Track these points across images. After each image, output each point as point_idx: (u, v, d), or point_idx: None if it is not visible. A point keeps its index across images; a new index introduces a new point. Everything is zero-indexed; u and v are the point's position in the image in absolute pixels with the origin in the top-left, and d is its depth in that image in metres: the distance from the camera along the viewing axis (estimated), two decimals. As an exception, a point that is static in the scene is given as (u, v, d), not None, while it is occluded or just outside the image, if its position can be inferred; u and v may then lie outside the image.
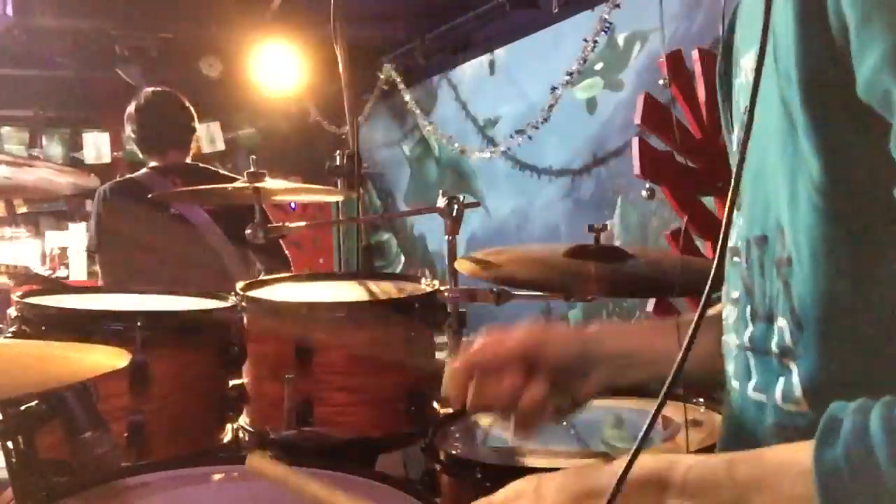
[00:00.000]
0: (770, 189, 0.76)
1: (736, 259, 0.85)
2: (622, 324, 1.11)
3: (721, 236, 0.64)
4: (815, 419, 0.69)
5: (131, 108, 3.23)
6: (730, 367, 0.86)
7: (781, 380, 0.76)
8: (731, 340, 0.86)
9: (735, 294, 0.85)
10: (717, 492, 0.65)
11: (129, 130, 3.24)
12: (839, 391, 0.69)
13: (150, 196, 2.66)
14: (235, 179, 3.07)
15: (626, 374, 1.01)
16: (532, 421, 0.96)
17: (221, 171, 3.41)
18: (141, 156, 3.25)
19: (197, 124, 3.32)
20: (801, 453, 0.61)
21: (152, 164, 3.16)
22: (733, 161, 0.96)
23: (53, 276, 6.08)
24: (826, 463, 0.60)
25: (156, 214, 2.82)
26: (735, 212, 0.83)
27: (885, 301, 0.68)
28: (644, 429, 0.61)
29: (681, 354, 0.60)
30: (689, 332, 0.60)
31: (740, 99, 0.88)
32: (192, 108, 3.30)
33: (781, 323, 0.75)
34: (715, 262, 0.62)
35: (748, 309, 0.81)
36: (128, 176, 3.22)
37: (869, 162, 0.63)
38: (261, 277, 2.08)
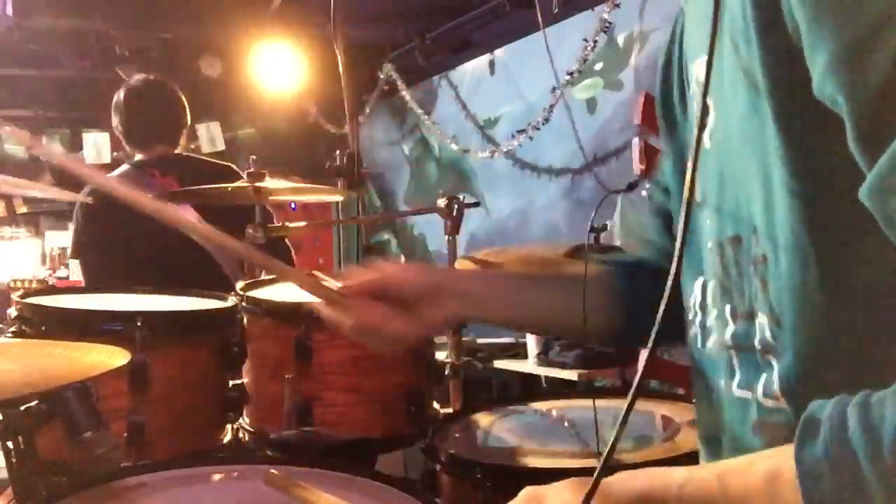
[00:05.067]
0: (740, 190, 0.76)
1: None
2: (486, 270, 1.24)
3: (679, 244, 0.65)
4: (792, 414, 0.70)
5: (119, 96, 3.04)
6: (711, 367, 0.87)
7: (763, 376, 0.77)
8: (712, 341, 0.87)
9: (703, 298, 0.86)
10: None
11: (115, 121, 3.04)
12: (815, 387, 0.70)
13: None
14: (225, 167, 2.97)
15: (474, 313, 1.10)
16: (374, 343, 1.07)
17: (206, 159, 3.15)
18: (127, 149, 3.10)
19: (189, 118, 3.11)
20: (787, 461, 0.62)
21: (137, 157, 2.99)
22: (673, 182, 0.98)
23: (53, 275, 6.10)
24: (807, 463, 0.61)
25: (138, 215, 2.69)
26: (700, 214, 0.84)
27: (857, 299, 0.69)
28: (617, 426, 0.63)
29: (644, 357, 0.62)
30: (653, 331, 0.62)
31: (693, 106, 0.87)
32: (184, 101, 3.09)
33: (762, 320, 0.76)
34: (674, 266, 0.64)
35: (728, 308, 0.82)
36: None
37: (838, 160, 0.64)
38: (261, 277, 2.07)
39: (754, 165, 0.73)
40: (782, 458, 0.63)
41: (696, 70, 0.84)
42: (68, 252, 2.88)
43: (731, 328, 0.82)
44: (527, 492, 0.78)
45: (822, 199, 0.68)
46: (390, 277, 1.05)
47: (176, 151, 3.03)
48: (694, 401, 0.94)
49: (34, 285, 3.96)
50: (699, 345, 0.89)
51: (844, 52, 0.60)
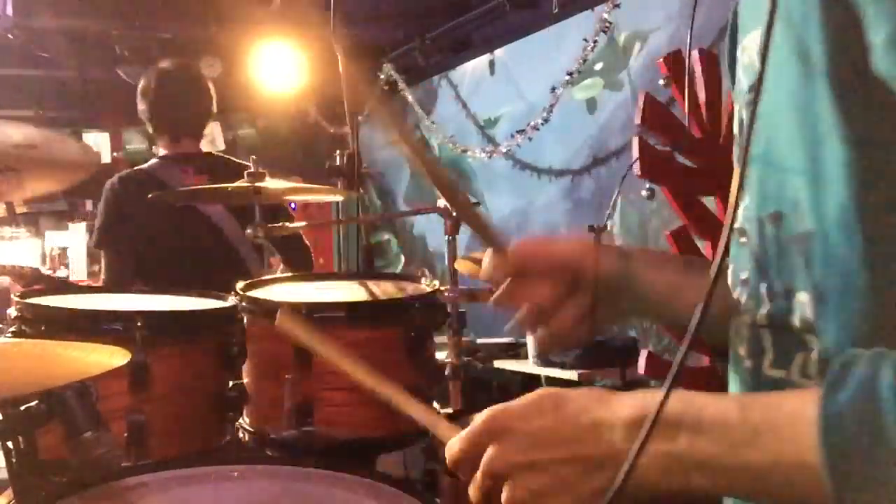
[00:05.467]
0: (786, 164, 0.75)
1: (743, 240, 0.84)
2: (665, 255, 1.06)
3: (730, 217, 0.64)
4: None
5: (147, 81, 2.94)
6: (741, 347, 0.85)
7: (801, 355, 0.76)
8: (741, 321, 0.85)
9: (744, 275, 0.84)
10: (729, 432, 0.64)
11: (141, 107, 2.93)
12: None
13: (149, 196, 2.64)
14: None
15: (658, 309, 0.99)
16: (562, 339, 0.94)
17: (233, 159, 3.09)
18: (152, 139, 3.05)
19: (215, 108, 3.04)
20: (813, 403, 0.60)
21: (163, 152, 2.93)
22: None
23: (53, 275, 6.09)
24: (830, 408, 0.60)
25: (168, 207, 2.61)
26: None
27: None
28: (664, 392, 0.59)
29: (684, 343, 0.59)
30: (694, 319, 0.60)
31: (743, 79, 0.86)
32: (212, 89, 3.02)
33: (803, 297, 0.75)
34: (722, 243, 0.62)
35: (762, 287, 0.81)
36: (137, 167, 2.95)
37: (894, 137, 0.63)
38: (270, 276, 2.07)
39: (802, 140, 0.71)
40: (809, 400, 0.61)
41: (749, 43, 0.82)
42: (92, 243, 2.83)
43: (766, 307, 0.80)
44: (544, 396, 0.72)
45: (875, 177, 0.67)
46: (589, 257, 0.92)
47: (203, 148, 3.00)
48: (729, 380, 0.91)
49: (25, 270, 3.90)
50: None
51: None
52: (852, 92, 0.67)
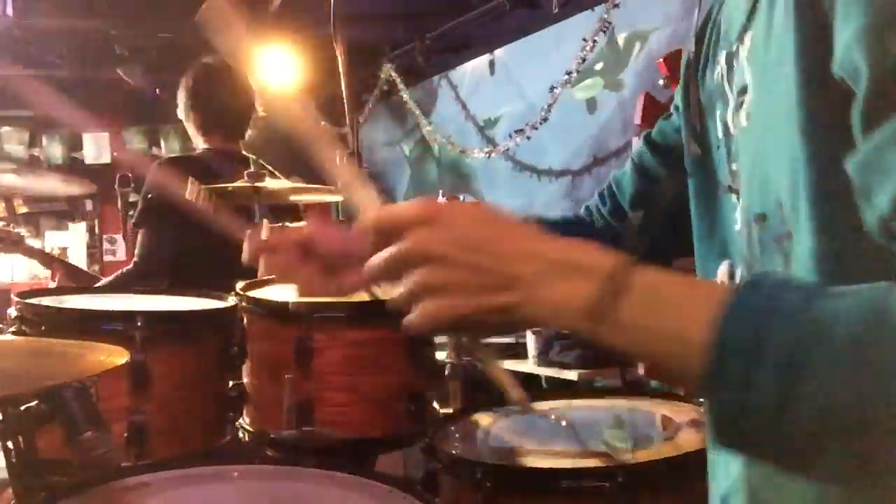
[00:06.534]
0: (771, 166, 0.75)
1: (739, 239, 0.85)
2: None
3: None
4: None
5: (204, 76, 2.90)
6: None
7: None
8: None
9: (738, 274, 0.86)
10: (646, 299, 0.65)
11: (192, 101, 2.87)
12: None
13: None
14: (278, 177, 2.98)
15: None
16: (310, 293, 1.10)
17: (272, 170, 3.20)
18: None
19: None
20: (726, 293, 0.61)
21: (208, 146, 2.88)
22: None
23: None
24: (741, 299, 0.60)
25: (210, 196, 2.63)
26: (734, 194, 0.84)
27: (855, 276, 0.68)
28: None
29: None
30: None
31: (734, 76, 0.85)
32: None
33: None
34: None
35: None
36: (185, 154, 2.97)
37: (847, 138, 0.63)
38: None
39: (786, 142, 0.72)
40: (724, 289, 0.63)
41: (739, 47, 0.82)
42: (132, 222, 2.78)
43: None
44: (481, 206, 0.77)
45: (831, 187, 0.68)
46: (319, 236, 1.06)
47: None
48: None
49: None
50: None
51: (877, 23, 0.59)
52: (819, 101, 0.67)
